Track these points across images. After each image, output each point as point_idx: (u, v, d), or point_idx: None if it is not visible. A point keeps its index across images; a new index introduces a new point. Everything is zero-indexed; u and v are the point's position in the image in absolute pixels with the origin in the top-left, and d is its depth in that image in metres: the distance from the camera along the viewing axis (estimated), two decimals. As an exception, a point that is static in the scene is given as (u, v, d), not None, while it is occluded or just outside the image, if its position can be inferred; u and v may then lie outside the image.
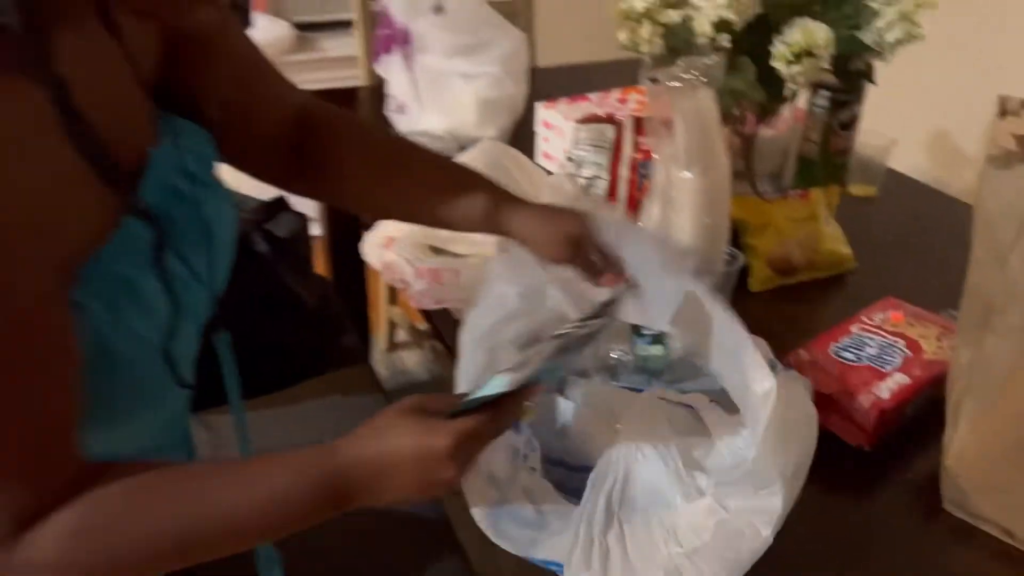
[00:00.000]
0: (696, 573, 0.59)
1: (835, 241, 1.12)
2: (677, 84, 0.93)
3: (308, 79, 2.57)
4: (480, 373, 0.72)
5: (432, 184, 0.82)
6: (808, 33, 0.94)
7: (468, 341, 0.76)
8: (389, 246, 1.03)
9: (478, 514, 0.65)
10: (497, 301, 0.78)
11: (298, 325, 1.45)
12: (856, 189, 1.34)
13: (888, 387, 0.81)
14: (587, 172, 1.17)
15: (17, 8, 0.47)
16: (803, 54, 0.95)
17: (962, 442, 0.73)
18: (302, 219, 1.56)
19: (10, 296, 0.49)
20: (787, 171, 1.24)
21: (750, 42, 1.01)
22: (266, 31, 2.49)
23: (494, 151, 1.11)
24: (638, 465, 0.65)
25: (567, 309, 0.79)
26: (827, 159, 1.20)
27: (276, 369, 1.40)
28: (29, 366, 0.51)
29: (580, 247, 0.76)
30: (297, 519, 0.59)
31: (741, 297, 1.08)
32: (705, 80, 0.92)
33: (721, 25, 0.97)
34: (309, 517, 0.59)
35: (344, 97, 1.84)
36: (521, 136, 1.49)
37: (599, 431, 0.73)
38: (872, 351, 0.86)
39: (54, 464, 0.54)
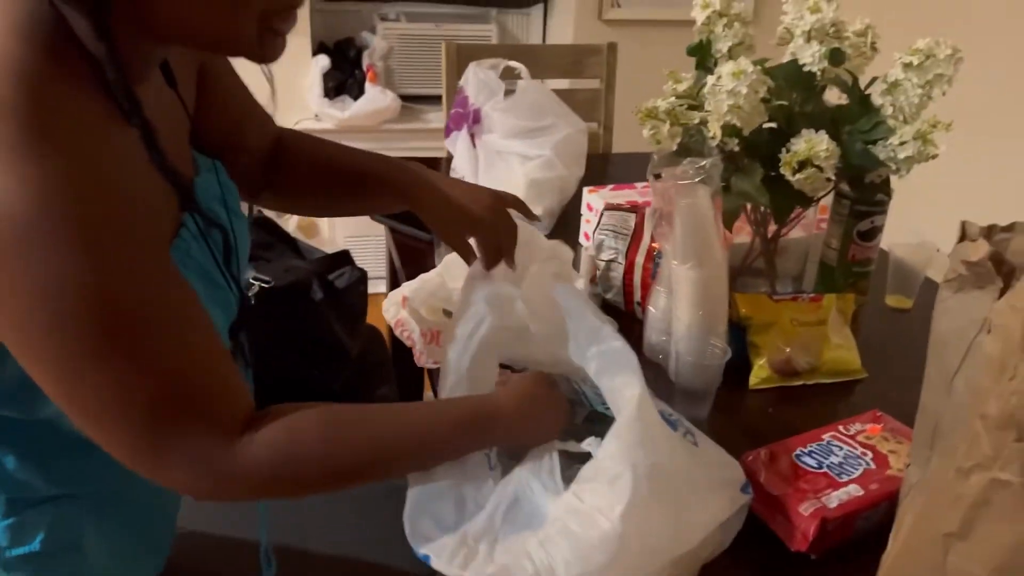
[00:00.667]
0: (545, 557, 0.66)
1: (842, 349, 1.12)
2: (678, 181, 0.98)
3: (406, 147, 2.77)
4: (462, 377, 0.81)
5: (359, 177, 0.98)
6: (811, 143, 0.98)
7: (451, 351, 0.84)
8: (404, 305, 1.11)
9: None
10: (471, 312, 0.85)
11: (339, 370, 1.55)
12: (892, 300, 1.33)
13: (838, 497, 0.81)
14: (606, 255, 1.23)
15: (115, 68, 0.61)
16: (806, 164, 0.98)
17: (893, 559, 0.73)
18: (362, 274, 1.68)
19: (163, 265, 0.63)
20: (807, 274, 1.25)
21: (764, 147, 1.05)
22: (374, 100, 2.70)
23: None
24: (528, 493, 0.71)
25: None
26: (845, 267, 1.20)
27: (314, 395, 1.50)
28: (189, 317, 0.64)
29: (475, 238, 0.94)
30: (462, 448, 0.77)
31: (738, 392, 1.10)
32: (703, 179, 0.97)
33: (730, 129, 1.02)
34: (470, 447, 0.77)
35: (426, 164, 1.97)
36: (570, 216, 1.56)
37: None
38: (835, 460, 0.86)
39: (239, 392, 0.67)
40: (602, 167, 1.90)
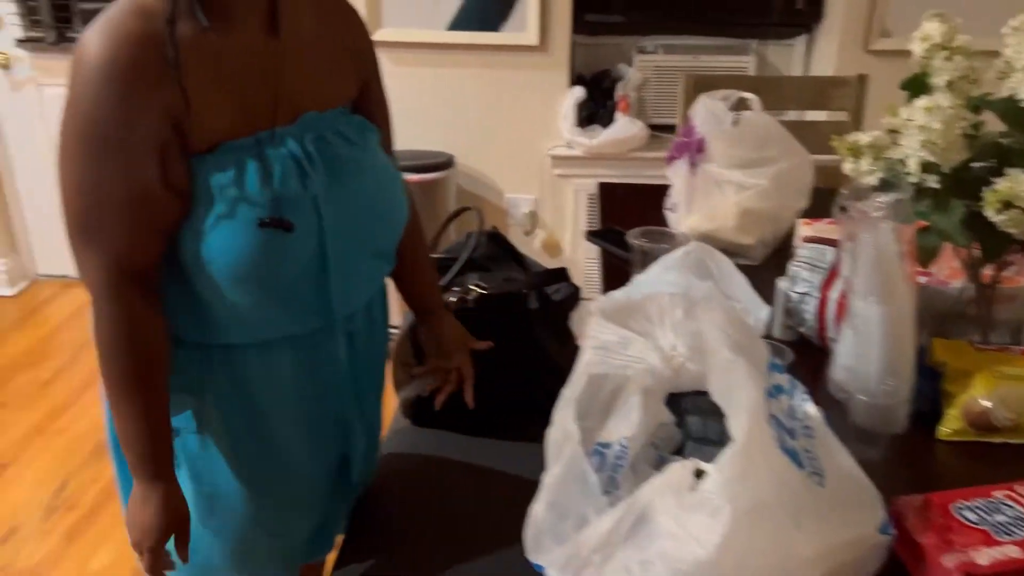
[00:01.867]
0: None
1: (1055, 409, 1.01)
2: (863, 215, 0.97)
3: (650, 174, 2.85)
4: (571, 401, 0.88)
5: (409, 278, 1.28)
6: (1014, 183, 0.91)
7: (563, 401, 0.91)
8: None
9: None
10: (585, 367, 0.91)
11: (543, 379, 1.65)
12: None
13: (991, 554, 0.76)
14: (799, 288, 1.21)
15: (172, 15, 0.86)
16: (1009, 204, 0.92)
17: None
18: (576, 289, 1.78)
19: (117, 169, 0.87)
20: (1029, 326, 1.14)
21: (972, 184, 1.00)
22: (623, 129, 2.81)
23: (699, 253, 1.22)
24: (653, 512, 0.75)
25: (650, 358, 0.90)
26: (1072, 322, 1.08)
27: (516, 412, 1.62)
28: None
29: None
30: (129, 452, 0.98)
31: (925, 440, 1.04)
32: (890, 215, 0.95)
33: (929, 166, 0.98)
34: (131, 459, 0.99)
35: (650, 191, 2.04)
36: (788, 246, 1.54)
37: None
38: (1001, 519, 0.80)
39: (135, 251, 0.90)
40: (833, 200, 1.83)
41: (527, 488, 1.17)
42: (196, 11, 0.87)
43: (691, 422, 0.95)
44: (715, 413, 0.97)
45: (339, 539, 1.18)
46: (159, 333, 0.96)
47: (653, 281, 1.20)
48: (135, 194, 0.87)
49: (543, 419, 1.63)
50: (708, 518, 0.70)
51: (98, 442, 2.36)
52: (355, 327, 1.13)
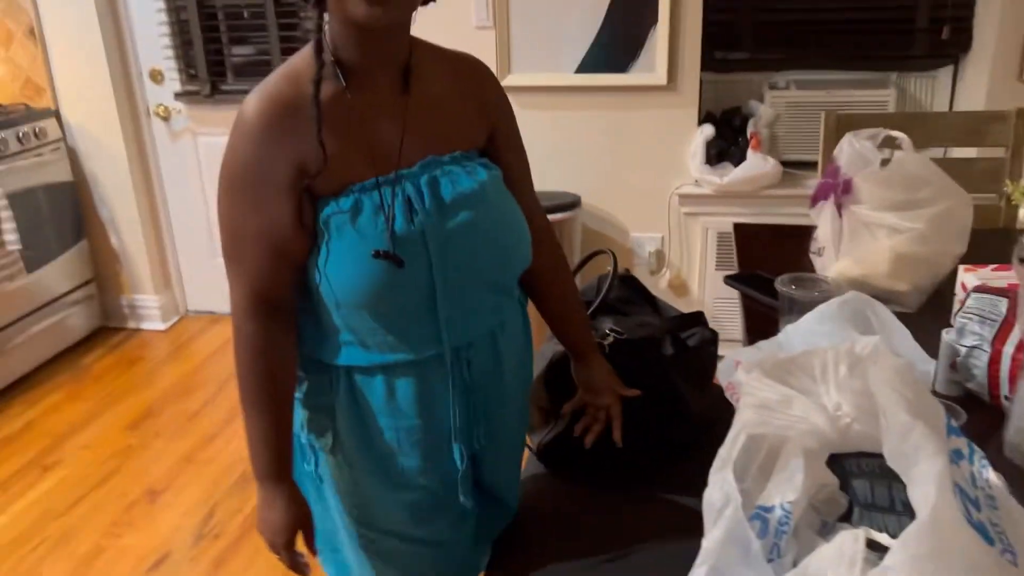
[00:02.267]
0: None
1: None
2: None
3: (783, 212, 2.77)
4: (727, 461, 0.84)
5: (559, 318, 1.34)
6: None
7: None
8: (736, 367, 1.15)
9: None
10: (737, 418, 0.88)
11: (678, 425, 1.62)
12: None
13: None
14: (968, 341, 1.14)
15: (319, 71, 1.01)
16: None
17: None
18: (713, 335, 1.74)
19: (253, 209, 1.03)
20: None
21: None
22: (754, 167, 2.75)
23: (857, 303, 1.16)
24: None
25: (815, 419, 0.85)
26: None
27: (650, 458, 1.59)
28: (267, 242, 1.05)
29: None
30: (255, 455, 1.12)
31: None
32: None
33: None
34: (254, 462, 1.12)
35: (792, 234, 1.97)
36: (945, 295, 1.46)
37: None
38: None
39: (270, 280, 1.06)
40: (993, 244, 1.71)
41: (666, 537, 1.13)
42: (338, 75, 1.02)
43: (857, 486, 0.90)
44: (882, 477, 0.92)
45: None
46: (289, 352, 1.11)
47: (807, 332, 1.15)
48: (266, 229, 1.03)
49: (678, 466, 1.60)
50: None
51: (243, 472, 2.48)
52: (473, 357, 1.18)
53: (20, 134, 3.00)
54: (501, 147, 1.19)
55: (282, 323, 1.09)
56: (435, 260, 1.06)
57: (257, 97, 1.02)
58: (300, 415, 1.18)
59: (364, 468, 1.17)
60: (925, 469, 0.73)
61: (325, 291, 1.06)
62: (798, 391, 0.90)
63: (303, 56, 1.05)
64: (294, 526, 1.12)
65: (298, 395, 1.16)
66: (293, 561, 1.14)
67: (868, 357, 0.90)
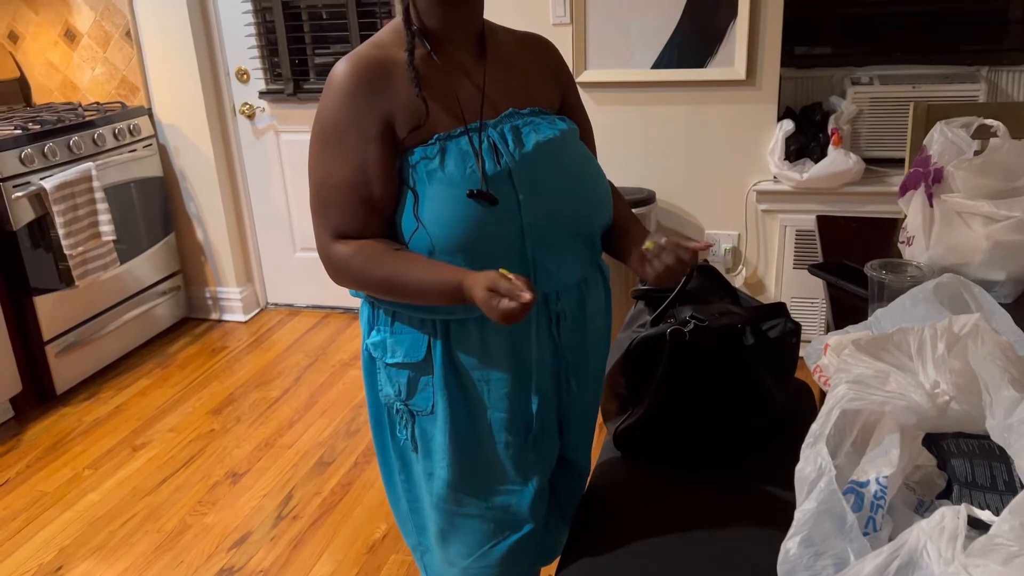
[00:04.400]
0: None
1: None
2: None
3: (866, 209, 2.71)
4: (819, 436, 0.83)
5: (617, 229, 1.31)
6: None
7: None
8: (825, 352, 1.13)
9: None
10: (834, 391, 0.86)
11: (760, 416, 1.60)
12: None
13: None
14: (1072, 327, 1.09)
15: (411, 32, 1.14)
16: None
17: None
18: (796, 326, 1.71)
19: (351, 157, 1.12)
20: None
21: None
22: (835, 163, 2.69)
23: (954, 285, 1.13)
24: (923, 558, 0.69)
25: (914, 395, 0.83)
26: None
27: (729, 447, 1.57)
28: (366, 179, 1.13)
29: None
30: (433, 298, 1.12)
31: None
32: None
33: None
34: (441, 300, 1.12)
35: (877, 224, 1.93)
36: (1044, 286, 1.41)
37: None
38: None
39: (354, 225, 1.14)
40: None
41: (745, 526, 1.11)
42: (423, 42, 1.15)
43: (956, 465, 0.88)
44: (983, 456, 0.89)
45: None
46: (384, 236, 1.16)
47: (899, 315, 1.12)
48: (355, 178, 1.12)
49: (757, 457, 1.57)
50: (1000, 566, 0.64)
51: (320, 457, 2.54)
52: (562, 310, 1.24)
53: (116, 131, 3.15)
54: (570, 112, 1.30)
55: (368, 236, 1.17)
56: (522, 198, 1.13)
57: (347, 60, 1.13)
58: (398, 380, 1.22)
59: (458, 424, 1.21)
60: None
61: (420, 239, 1.11)
62: (894, 367, 0.88)
63: (387, 29, 1.17)
64: (493, 277, 1.05)
65: (397, 358, 1.20)
66: (514, 288, 1.03)
67: (968, 335, 0.87)
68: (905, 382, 0.86)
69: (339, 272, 1.17)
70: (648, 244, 1.16)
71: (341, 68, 1.12)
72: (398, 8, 1.17)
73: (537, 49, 1.30)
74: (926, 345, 0.89)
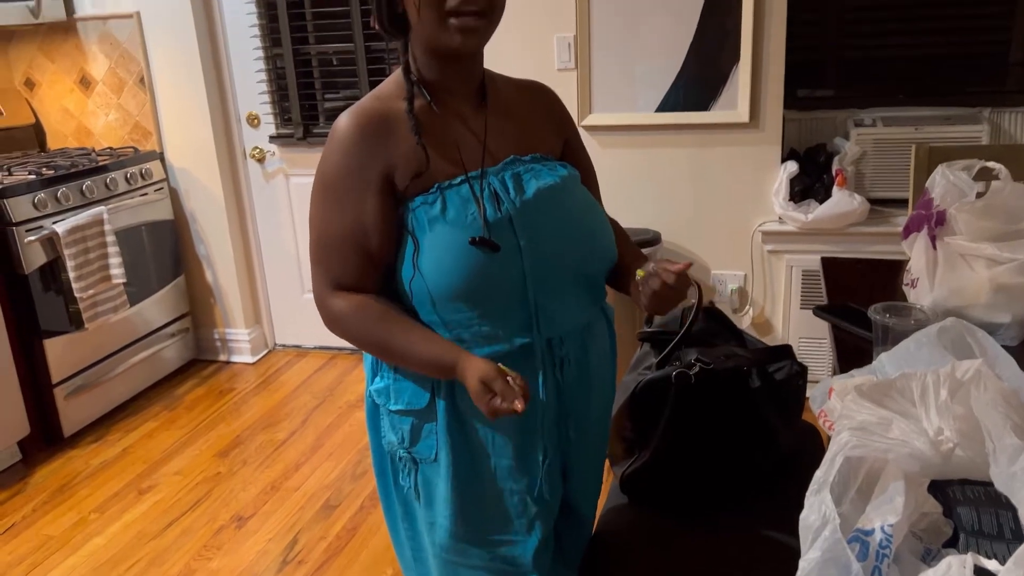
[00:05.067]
0: None
1: None
2: None
3: (871, 249, 2.71)
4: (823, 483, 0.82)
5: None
6: None
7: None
8: (830, 395, 1.13)
9: None
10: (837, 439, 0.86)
11: (765, 457, 1.59)
12: None
13: None
14: (1077, 371, 1.09)
15: (410, 84, 1.17)
16: None
17: None
18: (802, 368, 1.71)
19: (353, 206, 1.13)
20: None
21: None
22: (840, 204, 2.70)
23: (957, 329, 1.13)
24: None
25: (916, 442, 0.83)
26: None
27: (736, 491, 1.56)
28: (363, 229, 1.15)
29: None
30: (425, 370, 1.16)
31: None
32: None
33: None
34: (431, 373, 1.16)
35: (882, 266, 1.93)
36: (1049, 329, 1.40)
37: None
38: None
39: (352, 277, 1.15)
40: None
41: (753, 570, 1.10)
42: (423, 92, 1.17)
43: (962, 513, 0.87)
44: (989, 504, 0.89)
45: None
46: (383, 293, 1.18)
47: (903, 359, 1.12)
48: (356, 229, 1.13)
49: (764, 500, 1.56)
50: None
51: (326, 500, 2.53)
52: (565, 354, 1.24)
53: (128, 175, 3.20)
54: (571, 156, 1.32)
55: (366, 292, 1.18)
56: (523, 244, 1.14)
57: (349, 113, 1.15)
58: (401, 427, 1.22)
59: (461, 473, 1.21)
60: None
61: (419, 287, 1.13)
62: (897, 414, 0.88)
63: (388, 81, 1.20)
64: (489, 369, 1.07)
65: (400, 405, 1.20)
66: (507, 390, 1.06)
67: (971, 381, 0.87)
68: (908, 429, 0.86)
69: (334, 324, 1.18)
70: (639, 273, 1.18)
71: (344, 121, 1.14)
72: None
73: (537, 96, 1.32)
74: (929, 391, 0.89)
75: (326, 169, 1.15)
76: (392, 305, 1.16)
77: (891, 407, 0.89)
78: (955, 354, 1.10)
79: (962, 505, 0.87)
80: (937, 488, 0.90)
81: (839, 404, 1.11)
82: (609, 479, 1.62)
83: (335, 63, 3.32)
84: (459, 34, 1.09)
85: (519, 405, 1.02)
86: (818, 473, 0.87)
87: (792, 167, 2.78)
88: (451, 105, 1.19)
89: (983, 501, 0.87)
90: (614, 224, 1.41)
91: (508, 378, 1.05)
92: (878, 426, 0.87)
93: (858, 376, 1.17)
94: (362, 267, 1.15)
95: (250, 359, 3.63)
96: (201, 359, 3.66)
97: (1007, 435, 0.77)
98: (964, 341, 1.11)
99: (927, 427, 0.87)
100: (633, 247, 1.40)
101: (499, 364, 1.08)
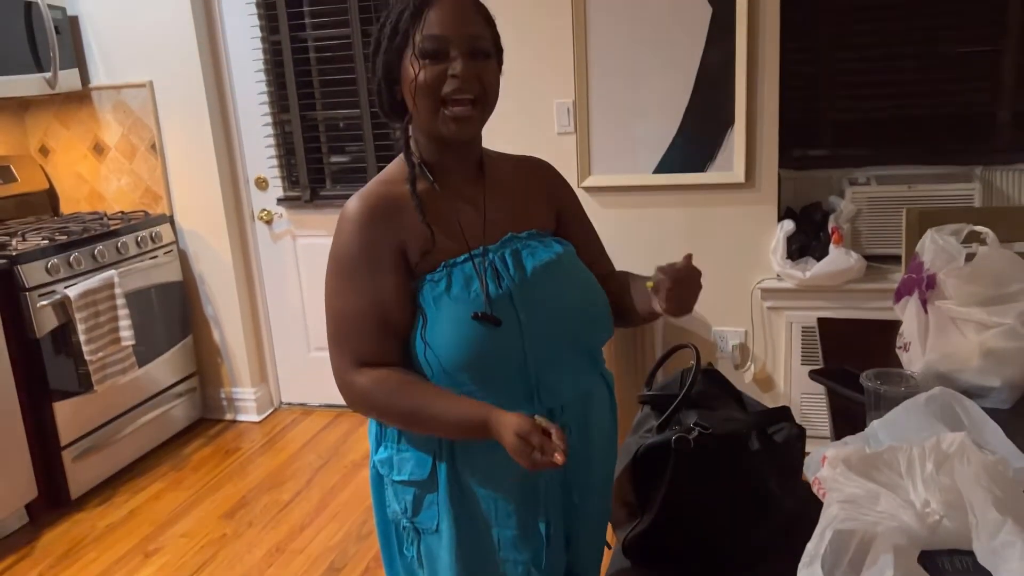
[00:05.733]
0: None
1: None
2: None
3: (869, 306, 2.75)
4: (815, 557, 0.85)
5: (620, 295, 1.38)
6: None
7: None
8: (823, 463, 1.16)
9: None
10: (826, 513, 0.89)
11: (767, 521, 1.60)
12: None
13: None
14: (1064, 438, 1.12)
15: (411, 164, 1.25)
16: None
17: None
18: (801, 431, 1.73)
19: (366, 285, 1.18)
20: None
21: None
22: (837, 261, 2.75)
23: (945, 398, 1.16)
24: None
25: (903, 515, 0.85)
26: None
27: (739, 554, 1.57)
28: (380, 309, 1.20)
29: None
30: (457, 433, 1.18)
31: None
32: None
33: None
34: (464, 435, 1.18)
35: (877, 327, 1.96)
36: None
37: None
38: None
39: (373, 353, 1.19)
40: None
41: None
42: (426, 173, 1.24)
43: (951, 585, 0.89)
44: (977, 574, 0.91)
45: None
46: (402, 364, 1.21)
47: (894, 427, 1.15)
48: (375, 306, 1.18)
49: (768, 563, 1.57)
50: None
51: (331, 562, 2.53)
52: (566, 423, 1.27)
53: (138, 239, 3.27)
54: (570, 221, 1.38)
55: (388, 367, 1.21)
56: (523, 318, 1.18)
57: (357, 198, 1.22)
58: (404, 497, 1.24)
59: (463, 543, 1.23)
60: (1016, 568, 0.73)
61: (429, 359, 1.17)
62: (884, 487, 0.91)
63: (392, 166, 1.26)
64: (524, 424, 1.09)
65: (403, 476, 1.23)
66: (545, 443, 1.08)
67: (955, 454, 0.90)
68: (895, 501, 0.89)
69: (361, 400, 1.21)
70: (649, 284, 1.21)
71: (353, 205, 1.20)
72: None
73: (532, 171, 1.38)
74: (915, 464, 0.92)
75: (340, 250, 1.20)
76: (413, 374, 1.20)
77: (879, 480, 0.92)
78: (944, 422, 1.13)
79: (951, 575, 0.90)
80: (927, 559, 0.93)
81: (832, 472, 1.14)
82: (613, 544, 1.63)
83: (341, 127, 3.42)
84: (453, 123, 1.16)
85: (559, 458, 1.04)
86: (809, 546, 0.90)
87: (789, 226, 2.83)
88: (452, 184, 1.25)
89: (971, 571, 0.89)
90: (620, 274, 1.47)
91: (544, 429, 1.08)
92: (866, 499, 0.89)
93: (851, 443, 1.20)
94: (383, 341, 1.19)
95: (256, 418, 3.65)
96: (208, 418, 3.69)
97: (989, 510, 0.80)
98: (952, 409, 1.14)
99: (914, 499, 0.89)
100: (630, 276, 1.47)
101: (534, 416, 1.11)
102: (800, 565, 0.89)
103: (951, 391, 1.16)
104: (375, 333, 1.19)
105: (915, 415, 1.14)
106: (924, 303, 1.61)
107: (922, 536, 0.87)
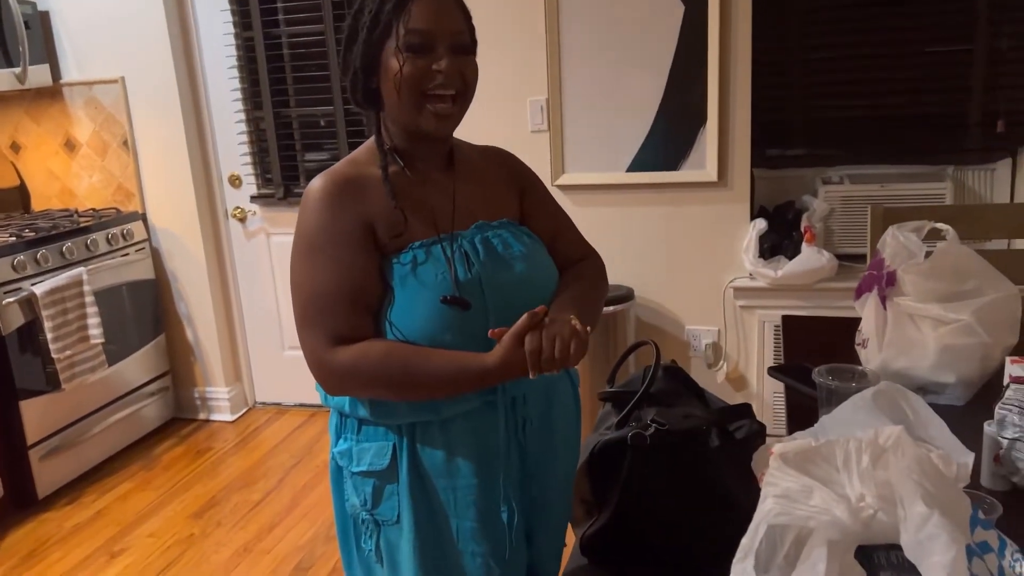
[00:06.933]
0: None
1: None
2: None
3: (841, 304, 2.75)
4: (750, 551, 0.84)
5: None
6: None
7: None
8: (771, 456, 1.15)
9: None
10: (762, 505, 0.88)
11: (726, 520, 1.59)
12: None
13: None
14: (1008, 433, 1.12)
15: (382, 150, 1.24)
16: None
17: None
18: (761, 427, 1.72)
19: (340, 261, 1.17)
20: None
21: None
22: (809, 260, 2.75)
23: (891, 393, 1.15)
24: None
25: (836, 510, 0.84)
26: None
27: (696, 553, 1.56)
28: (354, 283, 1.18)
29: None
30: (455, 388, 1.16)
31: None
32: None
33: None
34: (463, 389, 1.17)
35: (840, 324, 1.96)
36: (995, 388, 1.42)
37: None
38: None
39: (350, 328, 1.16)
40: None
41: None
42: (397, 160, 1.24)
43: (885, 579, 0.88)
44: (911, 570, 0.90)
45: None
46: (371, 336, 1.18)
47: (841, 422, 1.14)
48: (345, 281, 1.16)
49: (726, 561, 1.56)
50: None
51: (299, 562, 2.51)
52: (528, 414, 1.27)
53: (109, 236, 3.24)
54: (535, 203, 1.37)
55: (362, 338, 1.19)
56: (491, 305, 1.18)
57: (321, 177, 1.20)
58: (363, 489, 1.23)
59: (423, 534, 1.23)
60: (938, 560, 0.72)
61: (394, 337, 1.17)
62: (820, 481, 0.90)
63: (361, 149, 1.26)
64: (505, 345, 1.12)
65: (362, 466, 1.22)
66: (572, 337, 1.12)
67: (891, 447, 0.89)
68: (828, 497, 0.87)
69: (344, 378, 1.16)
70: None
71: (317, 183, 1.19)
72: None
73: (497, 161, 1.38)
74: (851, 458, 0.91)
75: (307, 227, 1.18)
76: (394, 341, 1.17)
77: (814, 474, 0.91)
78: (890, 417, 1.12)
79: (885, 570, 0.89)
80: (863, 553, 0.92)
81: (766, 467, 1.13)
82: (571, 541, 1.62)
83: (316, 124, 3.40)
84: (434, 119, 1.17)
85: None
86: (744, 540, 0.89)
87: (761, 224, 2.83)
88: (422, 170, 1.25)
89: (906, 567, 0.88)
90: (568, 274, 1.36)
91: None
92: (800, 493, 0.88)
93: (800, 438, 1.19)
94: (357, 316, 1.17)
95: (230, 417, 3.62)
96: (181, 417, 3.66)
97: (917, 503, 0.79)
98: (898, 404, 1.13)
99: (850, 493, 0.88)
100: (576, 290, 1.33)
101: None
102: (734, 560, 0.88)
103: (896, 386, 1.15)
104: (349, 308, 1.16)
105: (863, 410, 1.13)
106: (883, 299, 1.60)
107: (856, 531, 0.86)
